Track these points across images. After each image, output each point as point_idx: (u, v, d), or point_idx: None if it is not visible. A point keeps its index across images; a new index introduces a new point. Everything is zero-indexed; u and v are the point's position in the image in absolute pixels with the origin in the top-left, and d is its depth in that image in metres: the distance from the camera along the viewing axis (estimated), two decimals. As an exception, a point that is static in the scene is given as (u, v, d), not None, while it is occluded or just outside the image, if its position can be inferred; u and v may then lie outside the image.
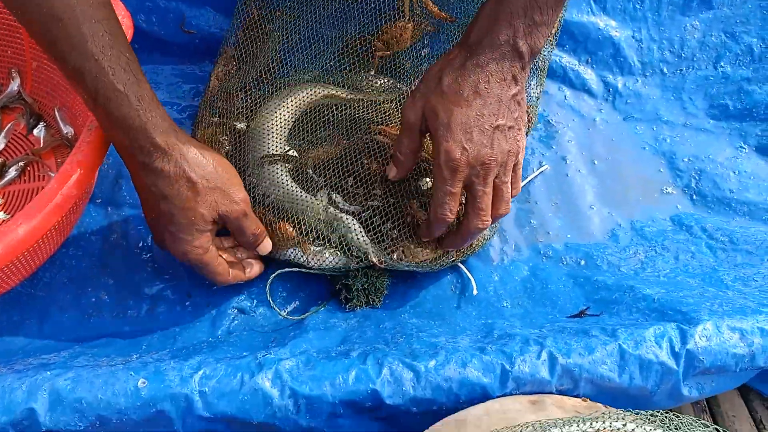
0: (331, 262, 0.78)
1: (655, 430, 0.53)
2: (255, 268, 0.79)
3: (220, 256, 0.75)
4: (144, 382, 0.63)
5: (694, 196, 0.95)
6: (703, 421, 0.55)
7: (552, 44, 0.93)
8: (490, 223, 0.73)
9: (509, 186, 0.73)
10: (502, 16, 0.67)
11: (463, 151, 0.68)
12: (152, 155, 0.65)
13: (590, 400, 0.66)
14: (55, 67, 0.66)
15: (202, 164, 0.68)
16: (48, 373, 0.64)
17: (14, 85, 0.92)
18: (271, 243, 0.77)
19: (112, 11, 0.64)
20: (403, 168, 0.75)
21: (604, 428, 0.52)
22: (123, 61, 0.63)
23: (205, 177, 0.68)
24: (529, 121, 0.87)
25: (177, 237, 0.69)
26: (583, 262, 0.87)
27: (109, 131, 0.66)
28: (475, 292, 0.82)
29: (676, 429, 0.54)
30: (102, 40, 0.61)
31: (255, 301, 0.82)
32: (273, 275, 0.79)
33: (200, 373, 0.64)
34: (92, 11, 0.61)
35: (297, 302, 0.82)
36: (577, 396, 0.67)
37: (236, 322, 0.80)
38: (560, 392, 0.67)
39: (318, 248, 0.78)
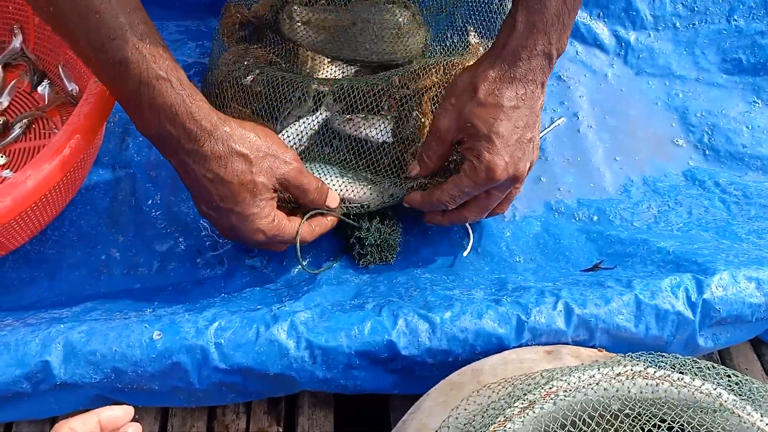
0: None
1: (674, 373, 0.52)
2: (328, 222, 0.76)
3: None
4: (159, 334, 0.62)
5: (707, 151, 0.94)
6: (722, 367, 0.55)
7: None
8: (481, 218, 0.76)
9: (519, 190, 0.75)
10: (540, 25, 0.65)
11: (505, 166, 0.68)
12: (200, 139, 0.63)
13: (606, 350, 0.66)
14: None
15: (247, 137, 0.66)
16: (61, 326, 0.64)
17: (17, 42, 0.90)
18: (336, 193, 0.76)
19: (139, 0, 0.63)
20: (426, 170, 0.74)
21: (625, 372, 0.51)
22: (161, 48, 0.61)
23: (254, 147, 0.66)
24: None
25: (244, 216, 0.66)
26: (595, 218, 0.86)
27: (153, 125, 0.63)
28: (465, 254, 0.82)
29: (695, 374, 0.53)
30: (140, 29, 0.59)
31: (266, 258, 0.81)
32: (305, 218, 0.77)
33: (215, 325, 0.64)
34: (126, 1, 0.59)
35: (310, 257, 0.81)
36: (593, 347, 0.67)
37: (248, 278, 0.79)
38: (576, 343, 0.67)
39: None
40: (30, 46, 0.91)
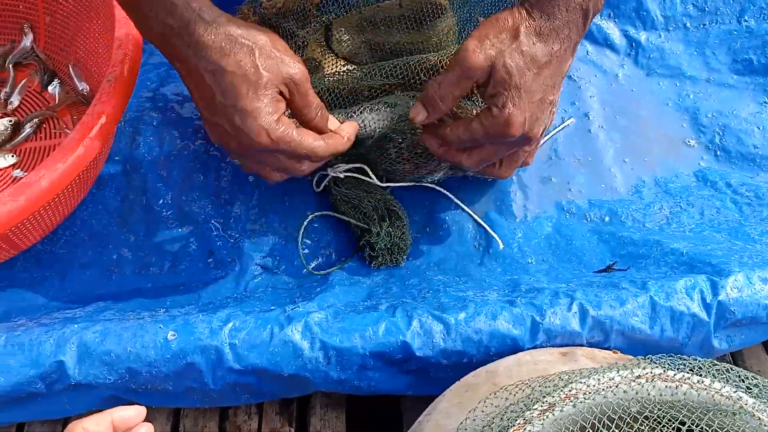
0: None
1: (692, 376, 0.52)
2: (344, 136, 0.70)
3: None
4: (174, 335, 0.62)
5: (718, 152, 0.93)
6: (741, 369, 0.54)
7: None
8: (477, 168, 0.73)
9: (529, 157, 0.73)
10: None
11: (523, 122, 0.64)
12: (200, 29, 0.59)
13: (621, 352, 0.66)
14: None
15: (253, 34, 0.62)
16: (75, 326, 0.63)
17: (27, 41, 0.90)
18: (335, 119, 0.70)
19: None
20: (436, 113, 0.68)
21: (645, 374, 0.51)
22: None
23: (260, 43, 0.62)
24: None
25: (246, 111, 0.61)
26: (607, 219, 0.86)
27: (152, 22, 0.60)
28: (501, 246, 0.82)
29: (714, 376, 0.53)
30: None
31: (278, 258, 0.81)
32: (308, 218, 0.80)
33: (230, 325, 0.64)
34: None
35: (320, 259, 0.81)
36: (607, 348, 0.67)
37: (259, 278, 0.79)
38: (591, 344, 0.67)
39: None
40: (40, 45, 0.91)
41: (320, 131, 0.68)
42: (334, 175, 0.81)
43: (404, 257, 0.81)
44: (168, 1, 0.59)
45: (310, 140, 0.65)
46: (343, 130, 0.70)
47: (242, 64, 0.61)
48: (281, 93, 0.63)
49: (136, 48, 0.72)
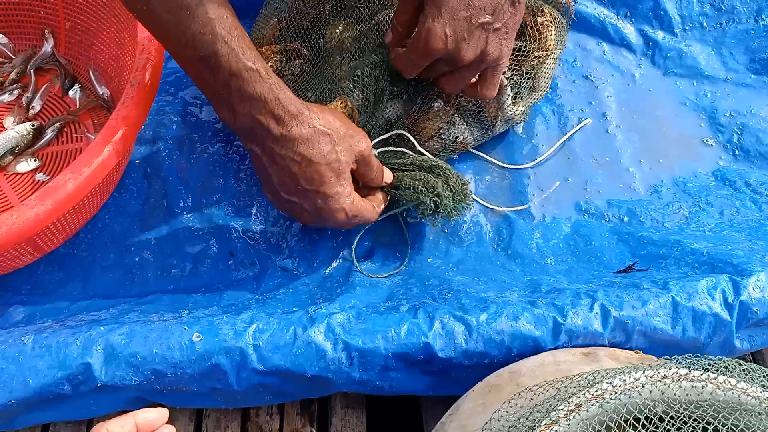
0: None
1: (718, 376, 0.52)
2: (380, 196, 0.78)
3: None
4: (199, 336, 0.63)
5: (737, 151, 0.93)
6: (766, 369, 0.54)
7: None
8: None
9: (468, 79, 0.74)
10: None
11: (443, 36, 0.66)
12: (288, 124, 0.65)
13: (642, 352, 0.66)
14: (180, 61, 0.65)
15: (327, 119, 0.68)
16: (101, 328, 0.64)
17: (48, 46, 0.91)
18: (389, 171, 0.78)
19: None
20: (398, 36, 0.74)
21: (671, 374, 0.51)
22: (248, 40, 0.63)
23: (335, 128, 0.68)
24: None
25: (329, 196, 0.69)
26: (626, 219, 0.86)
27: (242, 115, 0.64)
28: (526, 206, 0.84)
29: (740, 376, 0.53)
30: (227, 22, 0.61)
31: (297, 259, 0.81)
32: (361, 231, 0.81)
33: (253, 327, 0.64)
34: None
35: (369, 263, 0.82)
36: (629, 348, 0.67)
37: (279, 279, 0.80)
38: (612, 345, 0.67)
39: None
40: (61, 50, 0.92)
41: (377, 184, 0.76)
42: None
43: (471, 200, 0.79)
44: (261, 99, 0.63)
45: (369, 211, 0.74)
46: (378, 196, 0.77)
47: (326, 154, 0.67)
48: (352, 169, 0.71)
49: (158, 53, 0.73)
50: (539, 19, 0.83)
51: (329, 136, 0.67)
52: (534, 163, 0.89)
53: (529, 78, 0.85)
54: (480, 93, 0.76)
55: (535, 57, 0.84)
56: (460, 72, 0.73)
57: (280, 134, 0.65)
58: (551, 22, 0.83)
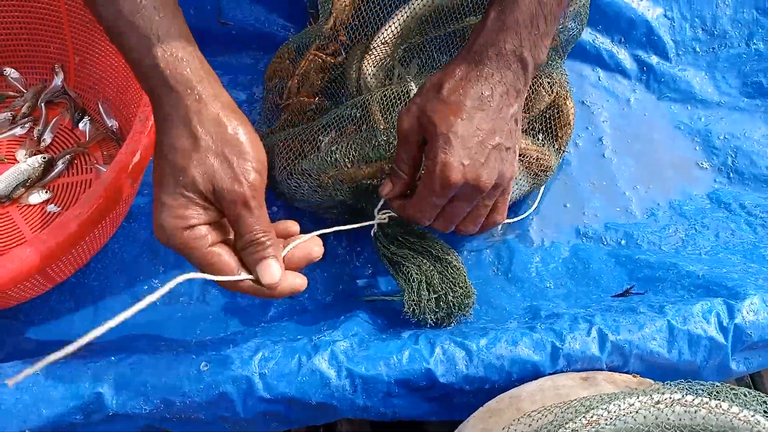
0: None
1: (711, 401, 0.54)
2: (295, 279, 0.59)
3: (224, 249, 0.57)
4: (206, 366, 0.64)
5: (731, 174, 0.95)
6: (760, 393, 0.56)
7: (583, 23, 0.92)
8: (448, 231, 0.70)
9: (487, 210, 0.69)
10: (509, 24, 0.63)
11: (461, 167, 0.63)
12: (169, 102, 0.55)
13: (640, 376, 0.67)
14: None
15: (217, 121, 0.55)
16: (112, 358, 0.66)
17: (58, 80, 0.93)
18: (277, 270, 0.57)
19: None
20: (400, 184, 0.69)
21: (664, 399, 0.53)
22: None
23: (213, 136, 0.55)
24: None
25: (159, 202, 0.55)
26: (623, 242, 0.88)
27: (139, 80, 0.58)
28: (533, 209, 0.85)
29: (732, 400, 0.55)
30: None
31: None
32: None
33: (259, 355, 0.66)
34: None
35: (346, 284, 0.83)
36: (627, 372, 0.68)
37: (284, 306, 0.82)
38: (610, 368, 0.68)
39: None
40: (71, 83, 0.94)
41: (249, 263, 0.57)
42: (379, 221, 0.76)
43: (468, 311, 0.75)
44: (151, 64, 0.55)
45: (222, 263, 0.56)
46: (293, 278, 0.59)
47: (178, 151, 0.55)
48: (207, 199, 0.56)
49: (165, 88, 0.75)
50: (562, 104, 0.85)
51: (194, 137, 0.55)
52: (532, 209, 0.90)
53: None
54: (492, 221, 0.71)
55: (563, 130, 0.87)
56: (481, 203, 0.68)
57: (158, 105, 0.56)
58: (565, 96, 0.85)
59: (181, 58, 0.55)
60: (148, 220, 0.86)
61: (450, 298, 0.72)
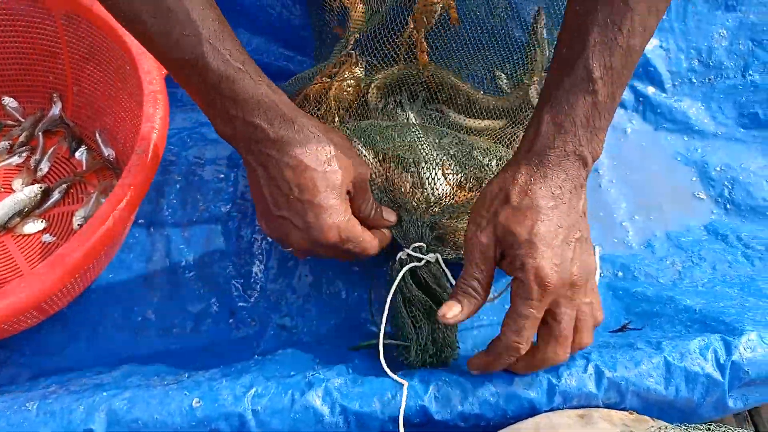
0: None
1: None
2: (387, 233, 0.73)
3: None
4: (198, 402, 0.64)
5: (728, 206, 0.95)
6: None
7: None
8: (569, 355, 0.64)
9: (593, 309, 0.65)
10: (567, 125, 0.61)
11: (553, 268, 0.60)
12: (284, 126, 0.63)
13: (637, 412, 0.67)
14: (161, 64, 0.64)
15: (330, 132, 0.66)
16: (104, 393, 0.65)
17: (56, 110, 0.94)
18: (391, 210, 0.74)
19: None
20: (471, 305, 0.64)
21: (660, 443, 0.52)
22: (236, 43, 0.62)
23: (336, 143, 0.66)
24: None
25: (322, 208, 0.64)
26: (620, 274, 0.87)
27: (236, 119, 0.63)
28: None
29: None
30: (212, 24, 0.60)
31: (294, 317, 0.83)
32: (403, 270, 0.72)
33: (252, 391, 0.65)
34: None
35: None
36: (623, 409, 0.68)
37: (279, 339, 0.81)
38: (607, 406, 0.68)
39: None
40: (68, 113, 0.95)
41: (374, 225, 0.72)
42: (417, 264, 0.71)
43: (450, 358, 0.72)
44: (254, 102, 0.62)
45: (367, 240, 0.69)
46: (385, 233, 0.73)
47: (323, 162, 0.64)
48: (348, 191, 0.67)
49: (162, 120, 0.75)
50: None
51: (329, 147, 0.65)
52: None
53: None
54: (580, 341, 0.65)
55: None
56: (581, 303, 0.63)
57: (276, 137, 0.62)
58: None
59: (280, 94, 0.65)
60: (143, 251, 0.86)
61: (443, 356, 0.71)
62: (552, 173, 0.62)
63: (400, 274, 0.70)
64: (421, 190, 0.76)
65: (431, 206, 0.76)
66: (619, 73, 0.61)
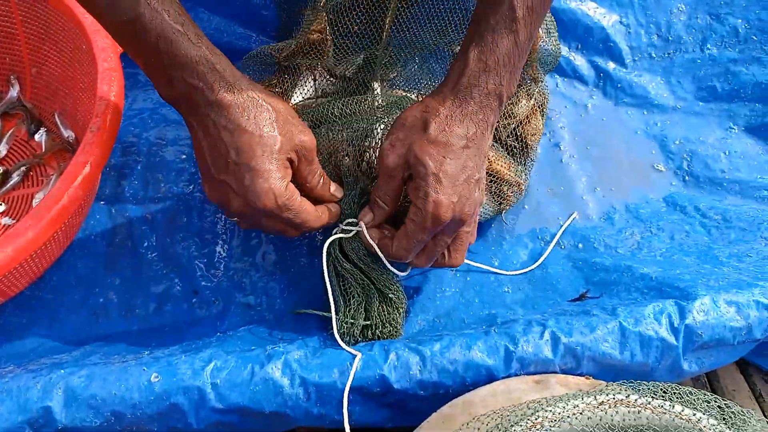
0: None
1: (654, 400, 0.54)
2: (334, 208, 0.73)
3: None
4: (157, 377, 0.64)
5: (687, 177, 0.97)
6: (703, 392, 0.57)
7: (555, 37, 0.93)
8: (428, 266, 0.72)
9: (469, 236, 0.72)
10: (491, 63, 0.65)
11: (451, 205, 0.66)
12: (223, 89, 0.63)
13: (593, 378, 0.68)
14: (108, 29, 0.64)
15: (272, 97, 0.66)
16: (62, 371, 0.65)
17: (14, 92, 0.93)
18: (339, 186, 0.74)
19: None
20: (381, 214, 0.71)
21: (608, 400, 0.53)
22: (175, 4, 0.61)
23: (279, 109, 0.66)
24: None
25: (258, 172, 0.64)
26: (580, 246, 0.88)
27: (176, 81, 0.63)
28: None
29: (678, 398, 0.55)
30: None
31: (260, 296, 0.83)
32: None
33: (211, 365, 0.65)
34: None
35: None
36: (580, 374, 0.69)
37: (241, 316, 0.81)
38: (564, 371, 0.69)
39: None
40: (27, 95, 0.94)
41: (320, 198, 0.72)
42: (343, 235, 0.74)
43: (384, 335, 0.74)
44: (192, 63, 0.62)
45: (308, 211, 0.69)
46: (331, 208, 0.73)
47: (261, 125, 0.64)
48: (290, 159, 0.67)
49: (118, 98, 0.75)
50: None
51: (267, 111, 0.65)
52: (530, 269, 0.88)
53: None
54: (452, 262, 0.73)
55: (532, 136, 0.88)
56: (462, 233, 0.70)
57: (215, 99, 0.63)
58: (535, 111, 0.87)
59: (221, 57, 0.64)
60: (104, 232, 0.86)
61: (377, 331, 0.72)
62: (471, 112, 0.66)
63: (325, 246, 0.73)
64: (358, 157, 0.77)
65: (366, 174, 0.77)
66: (538, 14, 0.66)
